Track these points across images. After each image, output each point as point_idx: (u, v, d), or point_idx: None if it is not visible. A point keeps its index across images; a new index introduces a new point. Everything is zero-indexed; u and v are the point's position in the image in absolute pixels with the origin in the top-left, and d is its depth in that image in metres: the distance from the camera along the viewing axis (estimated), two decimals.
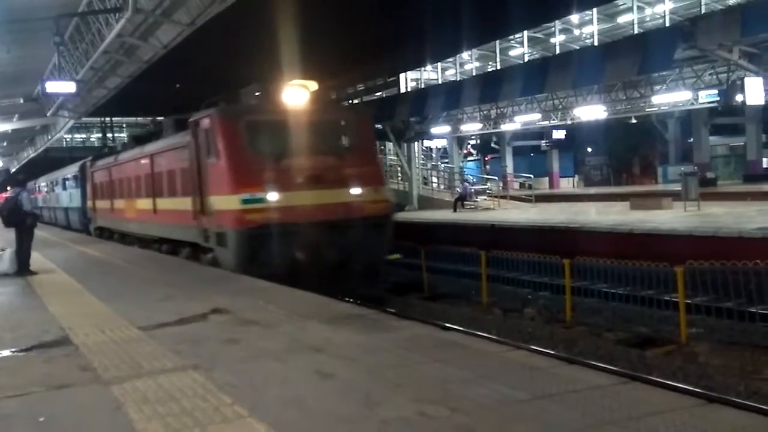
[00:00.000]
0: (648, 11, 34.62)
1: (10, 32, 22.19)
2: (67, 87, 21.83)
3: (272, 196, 12.61)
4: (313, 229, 12.59)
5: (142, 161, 18.73)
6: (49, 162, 49.64)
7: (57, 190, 37.26)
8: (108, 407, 4.72)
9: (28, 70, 29.05)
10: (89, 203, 27.30)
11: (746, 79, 23.00)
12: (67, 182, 33.31)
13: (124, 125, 58.05)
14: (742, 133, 39.20)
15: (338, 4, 19.21)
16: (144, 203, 18.68)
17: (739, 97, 23.22)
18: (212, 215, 13.42)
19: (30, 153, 60.87)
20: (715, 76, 29.13)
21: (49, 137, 50.35)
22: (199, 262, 14.16)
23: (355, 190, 13.38)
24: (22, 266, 13.07)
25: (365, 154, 14.30)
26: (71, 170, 31.84)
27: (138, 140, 21.40)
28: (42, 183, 44.78)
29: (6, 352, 6.62)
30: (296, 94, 13.48)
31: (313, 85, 13.89)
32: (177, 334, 7.05)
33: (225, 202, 12.94)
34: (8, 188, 16.62)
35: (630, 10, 33.27)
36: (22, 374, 5.71)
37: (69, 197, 32.84)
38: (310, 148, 13.14)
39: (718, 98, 27.61)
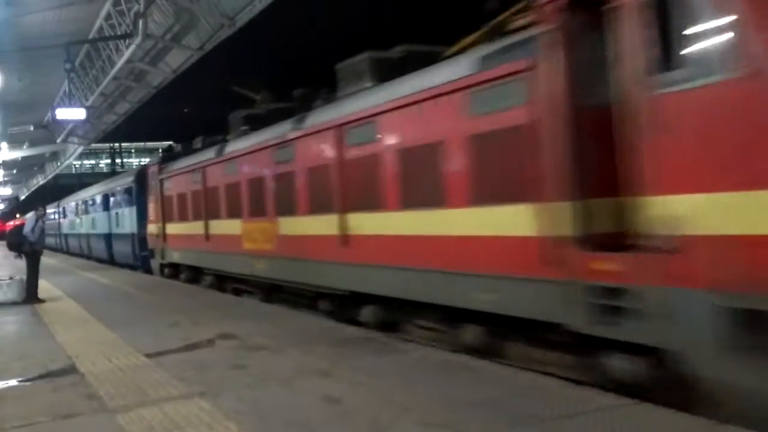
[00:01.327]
0: None
1: (21, 60, 22.50)
2: (77, 113, 22.06)
3: None
4: None
5: (310, 144, 10.23)
6: (59, 189, 49.97)
7: (91, 212, 29.64)
8: None
9: (38, 97, 29.38)
10: (152, 228, 18.71)
11: None
12: (110, 200, 25.87)
13: (133, 150, 58.65)
14: None
15: None
16: (310, 224, 10.24)
17: None
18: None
19: (39, 180, 61.39)
20: None
21: (59, 164, 50.80)
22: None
23: None
24: (30, 294, 13.11)
25: None
26: (120, 183, 24.33)
27: (259, 120, 13.21)
28: (67, 205, 37.97)
29: (13, 382, 6.61)
30: None
31: None
32: (183, 360, 7.03)
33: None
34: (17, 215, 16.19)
35: None
36: (29, 404, 5.69)
37: (112, 220, 25.17)
38: None
39: None
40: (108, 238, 25.86)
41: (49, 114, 27.04)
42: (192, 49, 20.01)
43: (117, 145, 46.03)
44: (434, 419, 4.58)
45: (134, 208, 21.34)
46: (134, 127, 33.61)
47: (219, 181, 13.82)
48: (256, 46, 23.29)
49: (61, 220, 39.77)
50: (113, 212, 25.00)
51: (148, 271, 19.81)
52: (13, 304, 12.86)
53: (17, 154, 45.45)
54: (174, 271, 17.59)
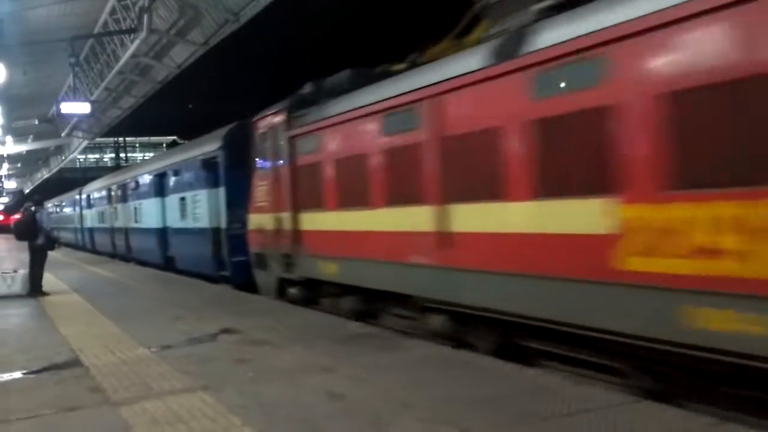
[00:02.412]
0: None
1: (26, 54, 22.57)
2: (82, 108, 22.12)
3: None
4: None
5: None
6: (63, 183, 50.04)
7: (133, 199, 22.23)
8: (117, 429, 4.71)
9: (43, 91, 29.46)
10: (261, 220, 11.52)
11: None
12: (169, 180, 18.25)
13: (137, 145, 58.71)
14: None
15: None
16: None
17: None
18: None
19: (44, 174, 61.54)
20: None
21: (63, 158, 50.91)
22: None
23: None
24: (35, 287, 13.16)
25: None
26: (192, 154, 16.33)
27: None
28: (94, 191, 30.62)
29: (18, 374, 6.64)
30: None
31: None
32: (187, 354, 7.05)
33: None
34: (29, 207, 13.81)
35: None
36: (34, 396, 5.72)
37: (171, 209, 17.90)
38: None
39: None
40: (162, 234, 18.67)
41: (54, 108, 27.13)
42: (196, 44, 20.02)
43: (121, 139, 46.06)
44: (437, 416, 4.59)
45: (220, 191, 14.03)
46: (139, 122, 33.57)
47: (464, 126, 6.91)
48: (261, 41, 23.28)
49: (84, 211, 32.71)
50: (174, 198, 17.52)
51: (245, 286, 12.72)
52: (18, 296, 12.91)
53: (22, 147, 45.61)
54: (307, 292, 10.43)
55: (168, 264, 18.35)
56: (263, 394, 5.37)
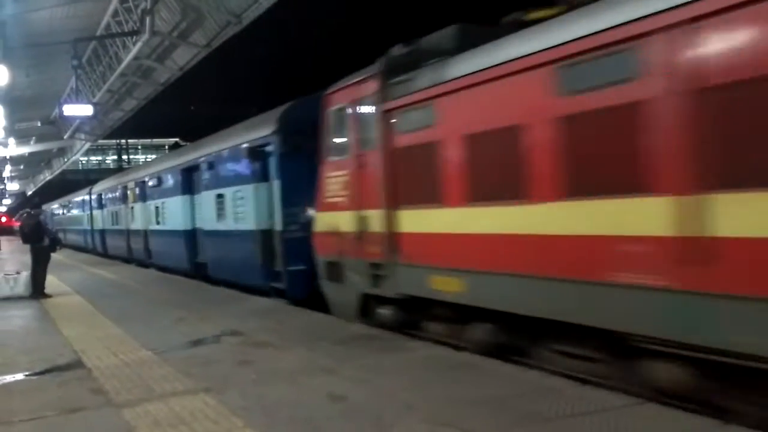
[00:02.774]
0: None
1: (29, 56, 22.57)
2: (85, 110, 22.11)
3: None
4: None
5: None
6: (66, 185, 50.02)
7: (154, 198, 19.82)
8: (119, 431, 4.72)
9: (45, 93, 29.48)
10: (335, 219, 9.13)
11: None
12: (201, 175, 15.46)
13: (140, 147, 58.82)
14: None
15: None
16: None
17: None
18: None
19: (46, 175, 61.61)
20: None
21: (66, 160, 50.96)
22: None
23: None
24: (37, 289, 13.19)
25: None
26: (232, 142, 13.66)
27: None
28: (109, 189, 27.65)
29: (20, 376, 6.66)
30: None
31: None
32: (189, 356, 7.06)
33: None
34: (27, 211, 13.56)
35: None
36: (36, 398, 5.73)
37: (206, 208, 15.12)
38: None
39: None
40: (191, 238, 16.32)
41: (57, 110, 27.12)
42: (199, 47, 20.02)
43: (124, 141, 46.16)
44: (438, 417, 4.59)
45: (273, 185, 11.58)
46: (141, 124, 33.63)
47: None
48: (263, 43, 23.34)
49: (95, 212, 30.34)
50: (208, 195, 14.83)
51: (304, 301, 10.51)
52: (21, 298, 12.93)
53: (24, 149, 45.60)
54: (405, 314, 8.11)
55: (197, 271, 15.90)
56: (265, 395, 5.37)
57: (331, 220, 9.21)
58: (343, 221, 8.80)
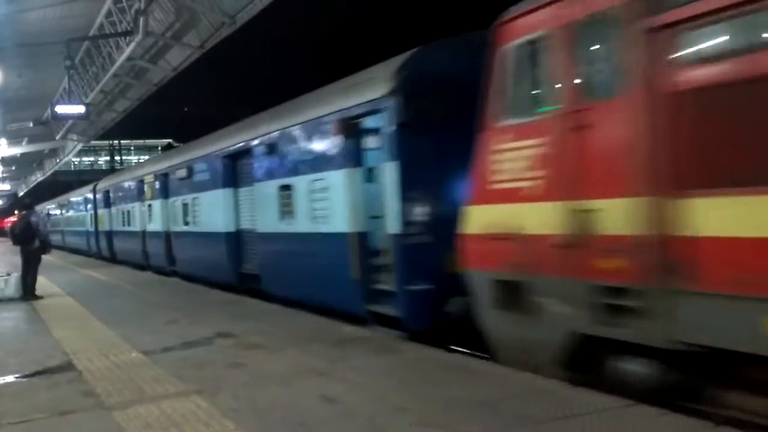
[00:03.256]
0: None
1: (21, 56, 22.49)
2: (77, 110, 22.03)
3: None
4: None
5: None
6: (57, 185, 49.74)
7: (183, 195, 16.43)
8: None
9: (38, 93, 29.37)
10: (541, 212, 5.70)
11: None
12: (260, 159, 11.90)
13: (132, 147, 58.61)
14: None
15: None
16: None
17: None
18: None
19: (38, 176, 61.35)
20: None
21: (58, 160, 50.77)
22: None
23: None
24: (28, 291, 13.11)
25: None
26: (321, 109, 9.96)
27: None
28: (118, 185, 24.67)
29: (10, 378, 6.61)
30: None
31: None
32: (181, 358, 7.03)
33: None
34: (16, 212, 13.37)
35: None
36: (26, 400, 5.69)
37: (271, 206, 11.48)
38: None
39: None
40: (234, 242, 13.27)
41: (49, 110, 27.00)
42: (192, 47, 19.99)
43: (116, 142, 45.99)
44: (431, 419, 4.58)
45: (387, 170, 8.23)
46: (134, 125, 33.52)
47: None
48: (257, 44, 23.31)
49: (100, 211, 27.51)
50: (265, 187, 11.65)
51: (429, 333, 7.77)
52: (11, 300, 12.85)
53: (16, 150, 45.40)
54: (676, 374, 4.93)
55: (242, 284, 13.05)
56: (257, 398, 5.35)
57: (503, 217, 6.17)
58: (535, 217, 5.82)
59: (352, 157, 8.97)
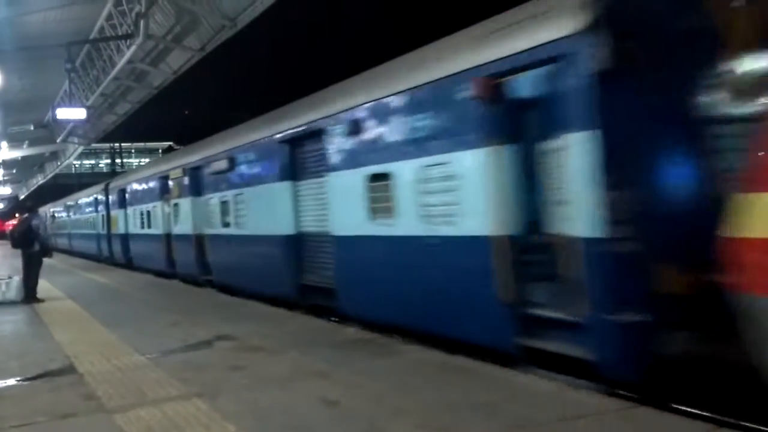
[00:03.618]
0: None
1: (22, 59, 22.53)
2: (78, 113, 22.04)
3: None
4: None
5: None
6: (58, 188, 49.72)
7: (222, 191, 13.94)
8: None
9: (38, 96, 29.41)
10: None
11: None
12: (335, 141, 9.27)
13: (133, 150, 58.66)
14: None
15: None
16: None
17: None
18: None
19: (39, 179, 61.40)
20: None
21: (59, 164, 50.81)
22: None
23: None
24: (29, 294, 13.12)
25: None
26: (438, 67, 7.40)
27: None
28: (136, 182, 22.04)
29: (12, 381, 6.62)
30: None
31: None
32: (182, 361, 7.03)
33: None
34: (17, 215, 13.23)
35: None
36: (28, 403, 5.70)
37: (353, 203, 8.87)
38: None
39: None
40: (291, 246, 10.85)
41: (50, 114, 27.03)
42: (193, 50, 20.01)
43: (117, 145, 46.02)
44: (431, 422, 4.58)
45: (585, 138, 5.44)
46: (134, 128, 33.52)
47: None
48: (258, 47, 23.32)
49: (113, 212, 24.95)
50: (345, 179, 9.16)
51: (632, 385, 5.36)
52: (12, 303, 12.85)
53: (17, 153, 45.47)
54: None
55: (304, 299, 10.68)
56: (258, 400, 5.35)
57: None
58: None
59: (500, 130, 6.42)
